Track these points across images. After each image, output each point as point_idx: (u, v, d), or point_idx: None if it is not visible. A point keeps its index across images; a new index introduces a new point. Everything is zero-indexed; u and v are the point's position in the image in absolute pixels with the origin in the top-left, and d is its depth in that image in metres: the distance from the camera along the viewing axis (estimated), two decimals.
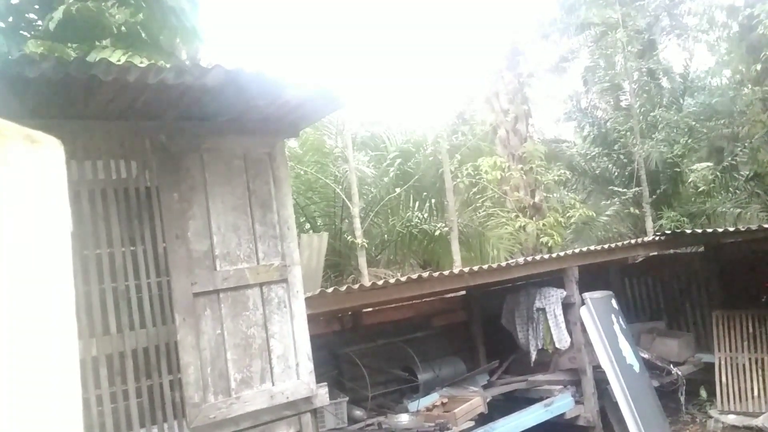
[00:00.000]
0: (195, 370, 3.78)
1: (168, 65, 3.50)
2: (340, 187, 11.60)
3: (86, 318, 3.46)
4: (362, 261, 10.35)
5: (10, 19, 6.05)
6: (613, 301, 7.57)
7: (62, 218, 1.38)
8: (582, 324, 7.03)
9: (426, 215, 12.81)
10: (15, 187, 1.28)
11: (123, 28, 5.71)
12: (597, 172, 15.97)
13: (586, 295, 7.13)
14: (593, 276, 7.74)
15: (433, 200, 13.22)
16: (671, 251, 8.94)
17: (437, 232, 11.85)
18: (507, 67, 15.10)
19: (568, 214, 13.34)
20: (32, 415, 1.33)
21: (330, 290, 5.24)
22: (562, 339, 7.13)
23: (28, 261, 1.29)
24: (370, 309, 7.29)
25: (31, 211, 1.31)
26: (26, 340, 1.31)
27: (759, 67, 13.59)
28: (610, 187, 15.09)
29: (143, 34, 5.87)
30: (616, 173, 15.54)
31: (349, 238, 10.87)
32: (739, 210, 13.70)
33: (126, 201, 3.76)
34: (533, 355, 7.39)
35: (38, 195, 1.32)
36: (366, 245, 10.64)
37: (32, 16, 6.17)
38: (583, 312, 7.04)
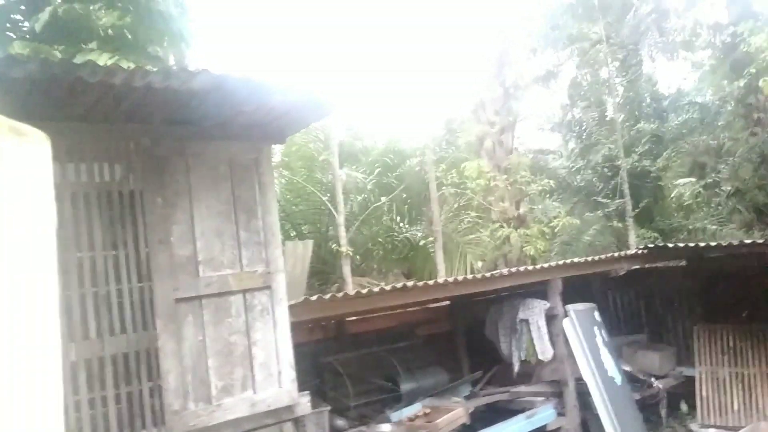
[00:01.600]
0: (175, 377, 3.74)
1: (155, 69, 3.48)
2: (327, 195, 11.58)
3: (66, 322, 3.40)
4: (347, 269, 10.32)
5: None
6: (596, 314, 7.60)
7: (48, 213, 1.36)
8: (565, 336, 7.06)
9: (408, 225, 12.81)
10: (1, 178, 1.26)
11: (110, 31, 5.68)
12: (581, 184, 16.09)
13: (569, 307, 7.16)
14: (576, 288, 7.76)
15: (417, 210, 13.23)
16: (654, 265, 9.01)
17: (421, 242, 11.86)
18: (493, 79, 15.20)
19: (552, 224, 13.42)
20: (14, 418, 1.31)
21: (314, 298, 5.22)
22: (544, 350, 7.15)
23: (12, 256, 1.27)
24: (353, 318, 7.26)
25: (15, 204, 1.29)
26: (8, 339, 1.29)
27: (742, 83, 13.77)
28: (594, 199, 15.20)
29: (130, 38, 5.84)
30: (600, 186, 15.67)
31: (333, 246, 10.84)
32: (715, 227, 13.84)
33: (109, 204, 3.71)
34: (516, 367, 7.39)
35: (24, 188, 1.30)
36: (351, 253, 10.61)
37: (18, 17, 6.12)
38: (566, 324, 7.07)
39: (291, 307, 4.41)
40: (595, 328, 7.35)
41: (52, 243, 1.35)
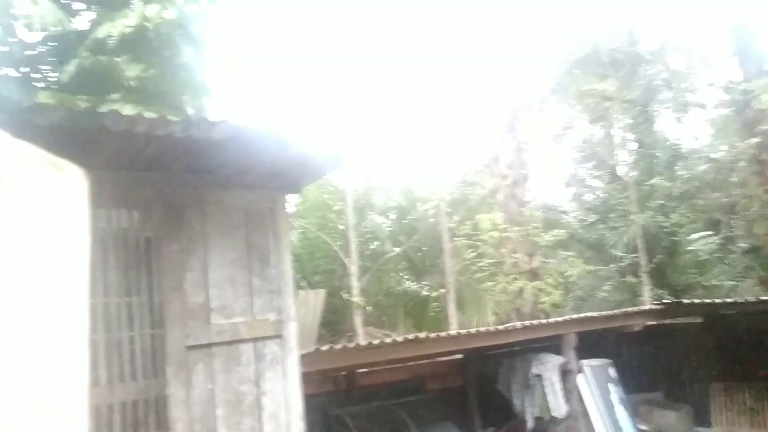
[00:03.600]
0: (183, 426, 3.69)
1: (176, 119, 3.57)
2: (339, 243, 11.61)
3: None
4: (358, 320, 10.25)
5: (24, 69, 6.21)
6: (611, 370, 7.47)
7: (82, 242, 1.41)
8: (579, 392, 6.92)
9: (420, 276, 12.76)
10: (39, 209, 1.31)
11: (133, 82, 5.85)
12: (594, 239, 16.01)
13: (584, 362, 7.05)
14: (591, 343, 7.65)
15: (429, 260, 13.21)
16: (669, 321, 8.88)
17: (433, 293, 11.79)
18: (507, 133, 15.37)
19: (566, 273, 13.31)
20: None
21: (325, 348, 5.19)
22: (558, 407, 7.00)
23: (48, 282, 1.31)
24: (364, 370, 7.18)
25: (52, 233, 1.34)
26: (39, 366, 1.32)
27: (754, 141, 13.82)
28: (608, 252, 15.09)
29: (153, 89, 6.00)
30: (613, 241, 15.58)
31: (345, 296, 10.80)
32: (731, 283, 13.68)
33: (125, 251, 3.75)
34: (530, 423, 7.23)
35: (61, 219, 1.35)
36: (363, 304, 10.56)
37: (46, 67, 6.33)
38: (581, 380, 6.94)
39: (302, 357, 4.38)
40: (611, 385, 7.21)
41: (86, 266, 1.39)
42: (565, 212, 17.70)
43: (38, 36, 5.83)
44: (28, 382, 1.34)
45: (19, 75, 5.89)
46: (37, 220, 1.34)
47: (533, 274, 13.73)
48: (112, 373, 3.57)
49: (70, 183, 1.42)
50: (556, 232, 13.83)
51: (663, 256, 14.55)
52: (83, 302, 1.46)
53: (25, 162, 1.34)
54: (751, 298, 7.63)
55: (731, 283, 13.90)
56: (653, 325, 8.81)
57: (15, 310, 1.31)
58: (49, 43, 6.03)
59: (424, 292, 12.09)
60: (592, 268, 13.63)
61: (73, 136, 3.30)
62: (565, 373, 7.04)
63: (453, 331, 6.85)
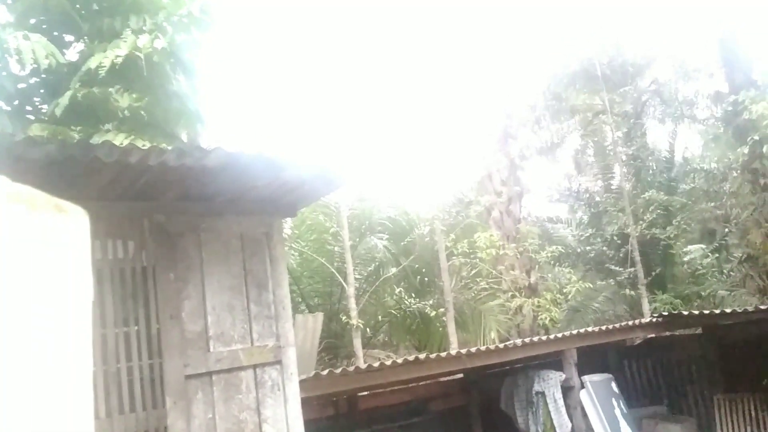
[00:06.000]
0: None
1: (169, 147, 3.58)
2: (335, 265, 11.57)
3: None
4: (357, 342, 10.19)
5: (16, 103, 6.23)
6: (613, 384, 7.43)
7: (85, 283, 1.41)
8: (582, 408, 6.88)
9: (419, 296, 12.71)
10: (43, 253, 1.31)
11: (126, 112, 5.86)
12: (591, 254, 16.03)
13: (586, 378, 7.01)
14: (592, 358, 7.62)
15: (428, 280, 13.16)
16: (669, 333, 8.86)
17: (433, 313, 11.74)
18: (499, 150, 15.42)
19: (564, 290, 13.28)
20: None
21: (325, 372, 5.15)
22: (562, 424, 6.95)
23: (52, 324, 1.31)
24: (365, 393, 7.12)
25: (56, 276, 1.34)
26: (43, 409, 1.31)
27: (746, 150, 13.90)
28: (606, 266, 15.10)
29: (146, 118, 6.02)
30: (611, 254, 15.60)
31: (344, 318, 10.74)
32: (727, 293, 13.69)
33: (121, 281, 3.74)
34: None
35: (64, 261, 1.35)
36: (361, 326, 10.50)
37: (38, 100, 6.35)
38: (583, 396, 6.90)
39: (302, 382, 4.35)
40: (614, 400, 7.17)
41: (88, 311, 1.39)
42: (561, 226, 17.73)
43: (30, 69, 5.86)
44: (34, 416, 1.33)
45: (11, 109, 5.90)
46: (41, 263, 1.34)
47: (532, 291, 13.70)
48: (111, 405, 3.54)
49: (72, 224, 1.43)
50: (553, 248, 13.82)
51: (661, 268, 14.57)
52: (87, 341, 1.47)
53: (27, 206, 1.35)
54: (750, 308, 7.62)
55: (729, 292, 13.90)
56: (654, 337, 8.79)
57: (22, 352, 1.32)
58: (40, 76, 6.06)
59: (424, 312, 12.03)
60: (590, 284, 13.63)
61: (66, 168, 3.30)
62: (567, 390, 7.00)
63: (453, 351, 6.81)
